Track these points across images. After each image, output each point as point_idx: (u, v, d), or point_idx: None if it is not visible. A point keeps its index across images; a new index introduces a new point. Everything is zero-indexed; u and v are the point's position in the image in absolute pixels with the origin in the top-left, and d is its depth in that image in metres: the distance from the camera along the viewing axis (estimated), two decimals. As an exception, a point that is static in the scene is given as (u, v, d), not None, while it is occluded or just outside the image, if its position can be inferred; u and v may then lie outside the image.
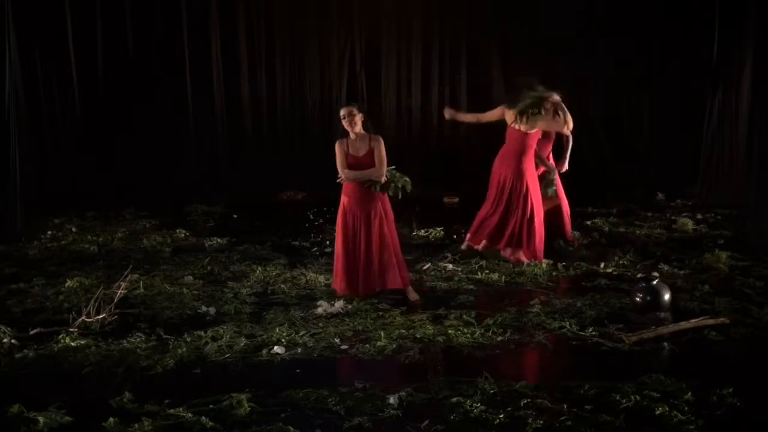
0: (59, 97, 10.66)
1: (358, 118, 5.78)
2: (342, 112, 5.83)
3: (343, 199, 5.91)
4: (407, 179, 5.90)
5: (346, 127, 5.79)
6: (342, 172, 5.81)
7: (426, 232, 8.18)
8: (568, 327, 5.18)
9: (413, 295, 5.89)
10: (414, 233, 8.11)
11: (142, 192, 10.20)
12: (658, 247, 7.43)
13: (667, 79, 11.79)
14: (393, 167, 5.92)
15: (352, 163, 5.81)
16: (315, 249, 7.49)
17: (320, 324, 5.28)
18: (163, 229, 8.39)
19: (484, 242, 7.11)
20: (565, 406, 3.93)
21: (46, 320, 5.39)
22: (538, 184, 7.03)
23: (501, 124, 7.05)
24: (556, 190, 7.32)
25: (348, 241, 5.88)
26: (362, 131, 5.82)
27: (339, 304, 5.61)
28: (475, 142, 11.15)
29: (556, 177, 7.35)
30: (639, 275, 5.97)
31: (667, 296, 5.46)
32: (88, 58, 10.78)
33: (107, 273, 6.56)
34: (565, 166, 7.44)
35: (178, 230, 8.28)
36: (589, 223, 8.54)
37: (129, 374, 4.49)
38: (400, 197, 5.91)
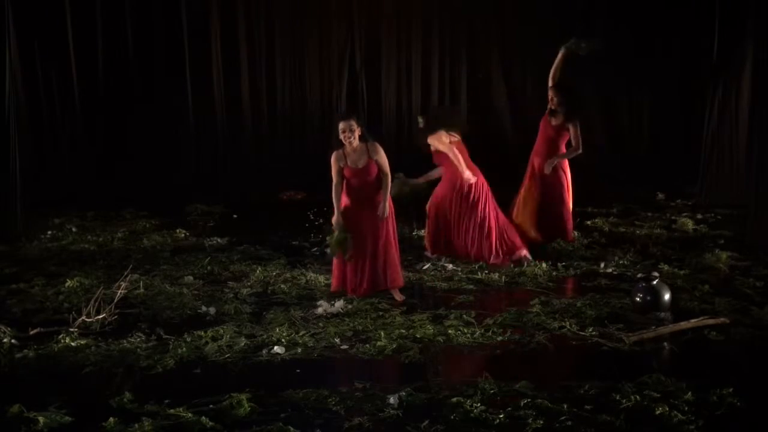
0: (59, 97, 10.66)
1: (357, 133, 5.68)
2: (341, 126, 5.67)
3: (344, 200, 5.88)
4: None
5: (344, 141, 5.66)
6: (335, 205, 5.78)
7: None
8: (568, 327, 5.18)
9: (399, 296, 5.89)
10: (414, 233, 8.10)
11: (142, 192, 10.20)
12: (658, 247, 7.43)
13: (667, 79, 11.79)
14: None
15: (351, 175, 5.77)
16: (315, 249, 7.49)
17: (320, 324, 5.28)
18: (163, 229, 8.39)
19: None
20: (565, 406, 3.93)
21: (46, 320, 5.39)
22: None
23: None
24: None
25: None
26: (359, 142, 5.73)
27: (339, 304, 5.60)
28: (476, 142, 11.15)
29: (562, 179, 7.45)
30: (639, 275, 5.96)
31: (667, 296, 5.46)
32: (88, 58, 10.78)
33: (107, 273, 6.56)
34: (547, 169, 7.40)
35: (178, 230, 8.28)
36: (589, 223, 8.54)
37: (129, 374, 4.49)
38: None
